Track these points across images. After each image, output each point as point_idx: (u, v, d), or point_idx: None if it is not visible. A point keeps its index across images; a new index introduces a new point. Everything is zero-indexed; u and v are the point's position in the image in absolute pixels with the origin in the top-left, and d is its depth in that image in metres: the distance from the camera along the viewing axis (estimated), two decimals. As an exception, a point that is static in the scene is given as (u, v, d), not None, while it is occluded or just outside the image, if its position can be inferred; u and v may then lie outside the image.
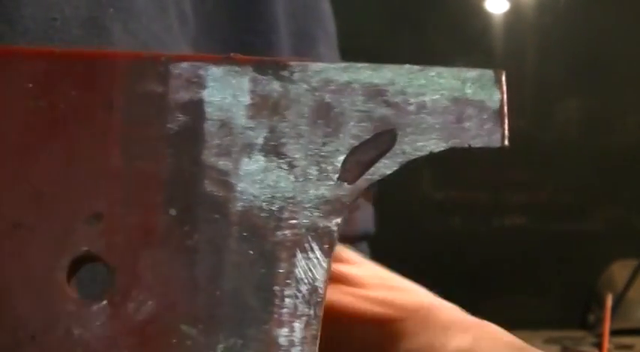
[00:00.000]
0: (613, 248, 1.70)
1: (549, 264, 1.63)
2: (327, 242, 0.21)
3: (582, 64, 1.77)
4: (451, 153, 0.23)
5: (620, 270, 1.61)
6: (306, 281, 0.21)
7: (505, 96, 0.23)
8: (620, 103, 1.78)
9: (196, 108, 0.22)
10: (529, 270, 1.57)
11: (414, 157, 0.22)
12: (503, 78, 0.23)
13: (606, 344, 1.36)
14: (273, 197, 0.21)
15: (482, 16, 1.80)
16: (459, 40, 1.83)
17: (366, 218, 0.54)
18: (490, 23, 1.80)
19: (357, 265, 0.37)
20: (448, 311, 0.37)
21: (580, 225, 1.75)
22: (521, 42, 1.78)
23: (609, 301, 1.37)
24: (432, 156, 0.23)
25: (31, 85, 0.22)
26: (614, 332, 1.40)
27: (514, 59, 1.78)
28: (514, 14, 1.79)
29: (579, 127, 1.81)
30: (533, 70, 1.77)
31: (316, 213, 0.21)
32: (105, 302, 0.21)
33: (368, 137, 0.22)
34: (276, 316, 0.21)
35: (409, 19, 1.83)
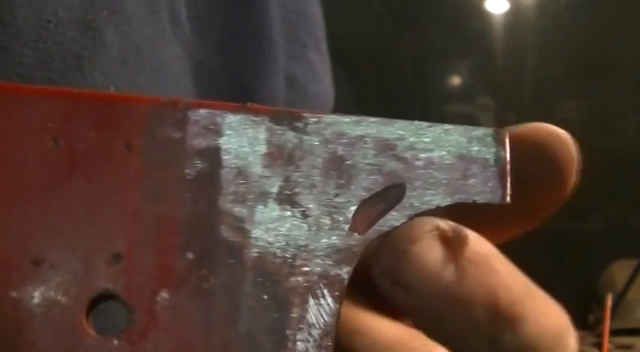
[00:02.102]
0: (613, 248, 1.70)
1: (549, 264, 1.63)
2: (337, 289, 0.22)
3: (582, 64, 1.77)
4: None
5: (620, 270, 1.61)
6: (317, 326, 0.22)
7: (508, 154, 0.23)
8: (620, 103, 1.78)
9: (213, 155, 0.22)
10: (529, 270, 1.58)
11: (421, 210, 0.23)
12: (507, 138, 0.24)
13: (606, 344, 1.36)
14: (287, 244, 0.22)
15: (483, 16, 1.80)
16: (459, 40, 1.83)
17: None
18: (490, 23, 1.80)
19: None
20: None
21: (580, 225, 1.75)
22: (521, 42, 1.79)
23: (609, 301, 1.37)
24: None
25: (50, 125, 0.22)
26: (614, 332, 1.41)
27: (514, 59, 1.79)
28: (514, 14, 1.79)
29: (579, 127, 1.81)
30: (533, 70, 1.77)
31: (328, 262, 0.22)
32: (122, 340, 0.22)
33: (378, 190, 0.23)
34: None
35: (409, 19, 1.83)
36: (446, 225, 0.24)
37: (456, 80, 1.89)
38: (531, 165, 0.25)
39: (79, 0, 0.35)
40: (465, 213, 0.24)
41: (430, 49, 1.85)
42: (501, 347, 0.24)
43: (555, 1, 1.80)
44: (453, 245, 0.23)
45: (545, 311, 0.24)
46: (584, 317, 1.66)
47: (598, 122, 1.80)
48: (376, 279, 0.24)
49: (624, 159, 1.73)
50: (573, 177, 0.26)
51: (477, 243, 0.24)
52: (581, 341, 1.50)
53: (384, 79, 1.81)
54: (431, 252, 0.23)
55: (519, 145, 0.25)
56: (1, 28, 0.33)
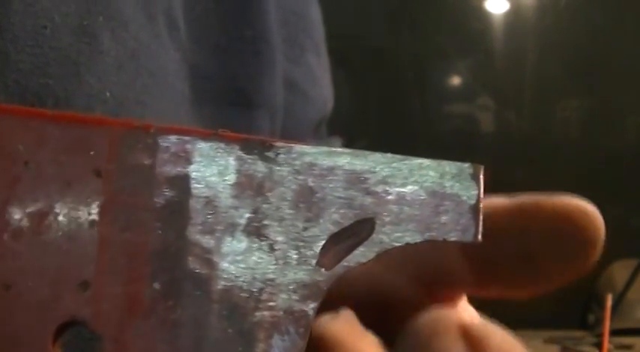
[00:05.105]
0: (613, 248, 1.69)
1: (549, 264, 1.62)
2: (303, 325, 0.22)
3: (582, 64, 1.77)
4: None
5: (620, 270, 1.61)
6: None
7: (482, 191, 0.23)
8: (620, 103, 1.78)
9: (183, 184, 0.22)
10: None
11: (390, 247, 0.22)
12: (481, 174, 0.23)
13: (606, 344, 1.36)
14: (253, 278, 0.22)
15: (483, 16, 1.80)
16: (459, 40, 1.83)
17: None
18: (490, 23, 1.80)
19: None
20: None
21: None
22: (521, 42, 1.78)
23: (609, 301, 1.37)
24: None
25: (21, 147, 0.22)
26: (614, 332, 1.41)
27: (514, 59, 1.78)
28: (514, 14, 1.79)
29: (579, 127, 1.81)
30: (533, 70, 1.77)
31: (294, 297, 0.22)
32: None
33: (347, 224, 0.22)
34: None
35: (409, 19, 1.83)
36: (472, 321, 0.23)
37: (456, 80, 1.89)
38: (555, 237, 0.25)
39: (75, 5, 0.35)
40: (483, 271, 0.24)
41: (430, 49, 1.84)
42: None
43: (555, 1, 1.80)
44: (477, 343, 0.23)
45: None
46: (584, 317, 1.66)
47: (598, 122, 1.80)
48: None
49: (624, 159, 1.73)
50: (597, 255, 0.25)
51: (503, 342, 0.24)
52: (581, 341, 1.50)
53: (384, 79, 1.81)
54: (453, 349, 0.23)
55: (544, 216, 0.25)
56: None
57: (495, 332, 0.24)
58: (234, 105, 0.44)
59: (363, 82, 1.79)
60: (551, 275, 0.26)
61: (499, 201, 0.26)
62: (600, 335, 1.38)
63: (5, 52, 0.33)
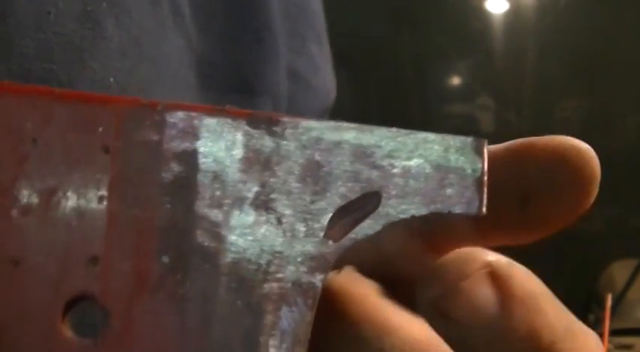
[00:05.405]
0: (613, 248, 1.70)
1: (549, 264, 1.63)
2: (310, 296, 0.22)
3: (582, 64, 1.77)
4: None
5: (620, 270, 1.61)
6: (290, 333, 0.22)
7: (486, 165, 0.23)
8: (620, 103, 1.78)
9: (190, 159, 0.22)
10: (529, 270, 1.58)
11: (396, 220, 0.22)
12: (485, 147, 0.23)
13: (606, 344, 1.36)
14: (261, 250, 0.22)
15: (483, 16, 1.80)
16: (459, 40, 1.83)
17: None
18: (490, 23, 1.80)
19: None
20: None
21: (580, 225, 1.75)
22: (521, 42, 1.78)
23: (609, 301, 1.37)
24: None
25: (29, 125, 0.22)
26: (614, 332, 1.41)
27: (514, 59, 1.78)
28: (514, 14, 1.79)
29: (579, 127, 1.81)
30: (533, 70, 1.77)
31: (302, 269, 0.22)
32: (99, 342, 0.22)
33: (354, 197, 0.22)
34: None
35: (409, 19, 1.83)
36: (497, 262, 0.24)
37: (456, 80, 1.89)
38: (551, 177, 0.25)
39: None
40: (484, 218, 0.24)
41: (430, 49, 1.84)
42: None
43: (555, 1, 1.80)
44: (502, 283, 0.24)
45: (584, 348, 0.25)
46: (584, 317, 1.66)
47: (598, 122, 1.80)
48: (420, 306, 0.24)
49: (624, 159, 1.73)
50: (593, 194, 0.25)
51: (527, 282, 0.24)
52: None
53: (384, 79, 1.81)
54: (480, 290, 0.23)
55: (539, 156, 0.25)
56: (0, 20, 0.33)
57: (520, 272, 0.24)
58: (237, 92, 0.44)
59: (363, 82, 1.79)
60: (549, 217, 0.26)
61: (495, 147, 0.26)
62: (600, 335, 1.38)
63: (9, 37, 0.33)
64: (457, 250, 0.25)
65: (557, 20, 1.77)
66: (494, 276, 0.24)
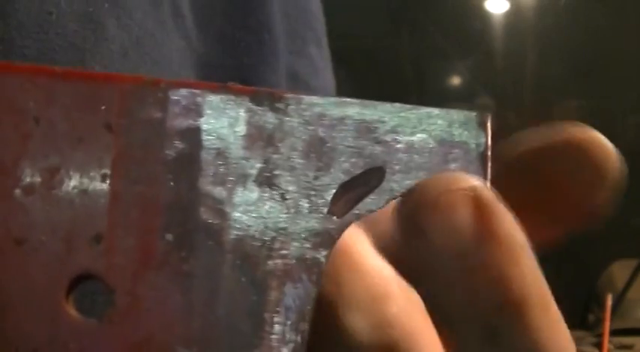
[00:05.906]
0: (613, 248, 1.70)
1: (549, 264, 1.63)
2: (315, 272, 0.22)
3: (582, 64, 1.78)
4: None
5: (620, 270, 1.61)
6: (294, 309, 0.22)
7: (490, 139, 0.23)
8: (620, 103, 1.78)
9: (194, 136, 0.22)
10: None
11: (400, 195, 0.22)
12: (489, 121, 0.23)
13: (606, 344, 1.36)
14: (265, 227, 0.22)
15: (483, 16, 1.80)
16: (459, 40, 1.83)
17: None
18: (490, 23, 1.80)
19: None
20: None
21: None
22: (521, 42, 1.79)
23: (609, 301, 1.37)
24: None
25: (32, 104, 0.22)
26: (614, 332, 1.41)
27: (514, 59, 1.79)
28: (514, 14, 1.79)
29: (579, 127, 1.81)
30: (533, 70, 1.77)
31: (306, 245, 0.22)
32: (104, 320, 0.21)
33: (358, 173, 0.22)
34: (265, 341, 0.21)
35: (409, 19, 1.83)
36: (483, 189, 0.22)
37: (455, 80, 1.89)
38: (572, 168, 0.25)
39: None
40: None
41: (430, 49, 1.85)
42: (496, 343, 0.23)
43: (555, 1, 1.80)
44: (484, 212, 0.22)
45: (553, 328, 0.23)
46: (584, 317, 1.66)
47: (598, 122, 1.80)
48: (396, 222, 0.23)
49: (624, 159, 1.73)
50: (613, 180, 0.25)
51: (511, 226, 0.22)
52: (581, 341, 1.50)
53: (384, 79, 1.81)
54: (459, 209, 0.22)
55: (563, 148, 0.24)
56: (2, 20, 0.32)
57: (505, 213, 0.22)
58: None
59: (363, 82, 1.79)
60: (569, 210, 0.26)
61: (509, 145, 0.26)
62: (600, 335, 1.38)
63: (10, 38, 0.33)
64: (445, 171, 0.24)
65: (557, 20, 1.77)
66: (477, 202, 0.22)
